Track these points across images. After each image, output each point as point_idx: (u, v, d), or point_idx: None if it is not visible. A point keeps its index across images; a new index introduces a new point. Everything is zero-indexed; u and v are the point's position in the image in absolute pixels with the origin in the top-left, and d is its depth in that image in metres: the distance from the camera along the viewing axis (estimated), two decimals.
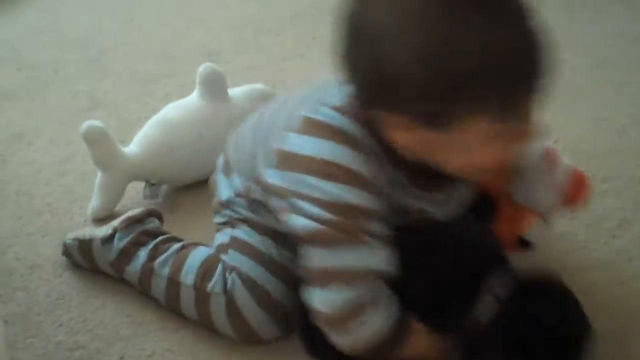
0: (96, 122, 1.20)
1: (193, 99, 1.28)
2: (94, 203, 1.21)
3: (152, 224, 1.10)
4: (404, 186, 0.86)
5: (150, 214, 1.11)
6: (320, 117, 0.84)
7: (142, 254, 1.04)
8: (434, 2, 0.72)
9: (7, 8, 1.96)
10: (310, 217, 0.82)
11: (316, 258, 0.83)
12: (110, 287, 1.09)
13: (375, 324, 0.83)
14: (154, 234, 1.07)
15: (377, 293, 0.83)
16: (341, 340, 0.84)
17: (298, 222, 0.84)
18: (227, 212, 1.02)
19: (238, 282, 0.96)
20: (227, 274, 0.97)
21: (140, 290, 1.05)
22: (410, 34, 0.72)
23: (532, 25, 0.74)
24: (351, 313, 0.82)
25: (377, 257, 0.83)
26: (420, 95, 0.73)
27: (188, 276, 0.99)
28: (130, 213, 1.10)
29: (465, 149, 0.78)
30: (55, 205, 1.26)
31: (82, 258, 1.11)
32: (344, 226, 0.81)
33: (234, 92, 1.30)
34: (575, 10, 1.82)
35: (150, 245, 1.05)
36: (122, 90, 1.57)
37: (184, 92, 1.36)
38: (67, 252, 1.12)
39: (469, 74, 0.71)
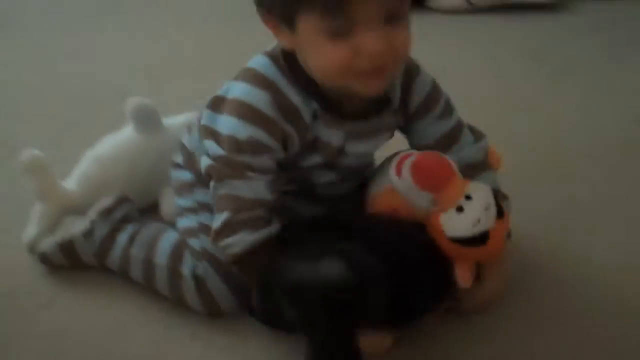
0: (37, 152, 1.20)
1: (126, 133, 1.29)
2: (30, 231, 1.21)
3: (126, 208, 1.18)
4: (321, 116, 0.99)
5: (121, 200, 1.19)
6: (251, 64, 1.00)
7: (121, 238, 1.14)
8: None
9: None
10: (208, 154, 1.00)
11: (212, 189, 1.00)
12: None
13: (246, 241, 0.97)
14: (129, 219, 1.17)
15: (256, 217, 0.97)
16: (222, 250, 1.00)
17: (203, 163, 1.01)
18: (190, 198, 1.11)
19: (210, 268, 1.06)
20: (197, 260, 1.07)
21: (121, 274, 1.14)
22: None
23: None
24: (228, 231, 0.98)
25: (259, 189, 0.97)
26: None
27: (162, 257, 1.10)
28: (103, 203, 1.18)
29: (311, 46, 0.92)
30: None
31: (64, 258, 1.17)
32: (231, 163, 0.97)
33: (170, 121, 1.31)
34: None
35: (128, 229, 1.14)
36: (37, 135, 1.56)
37: (101, 135, 1.35)
38: (45, 259, 1.18)
39: None
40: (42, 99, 1.72)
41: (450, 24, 1.98)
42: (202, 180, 1.06)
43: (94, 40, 2.02)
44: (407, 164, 0.98)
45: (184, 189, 1.13)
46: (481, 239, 0.95)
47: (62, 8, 2.22)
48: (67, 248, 1.16)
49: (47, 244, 1.17)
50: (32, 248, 1.20)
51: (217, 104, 1.02)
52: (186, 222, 1.12)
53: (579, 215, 1.27)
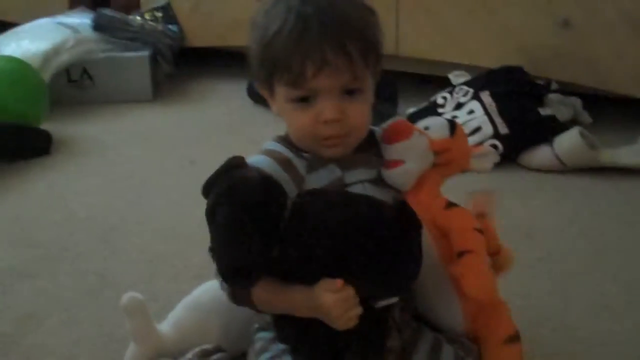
0: (137, 295, 1.24)
1: None
2: None
3: (221, 355, 1.21)
4: (310, 169, 1.10)
5: (218, 349, 1.22)
6: (266, 145, 1.14)
7: None
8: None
9: (17, 185, 2.02)
10: None
11: None
12: None
13: None
14: None
15: None
16: None
17: None
18: (272, 349, 1.13)
19: None
20: None
21: None
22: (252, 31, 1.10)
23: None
24: None
25: None
26: (259, 66, 1.09)
27: None
28: (203, 346, 1.21)
29: (284, 112, 1.09)
30: None
31: None
32: None
33: None
34: None
35: None
36: (130, 270, 1.60)
37: (191, 274, 1.38)
38: None
39: (268, 53, 1.06)
40: (135, 232, 1.78)
41: (540, 181, 1.99)
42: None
43: (185, 173, 2.08)
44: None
45: (266, 345, 1.15)
46: (451, 126, 1.19)
47: (156, 138, 2.31)
48: None
49: None
50: None
51: None
52: None
53: None
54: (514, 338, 1.13)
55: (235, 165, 1.03)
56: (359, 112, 1.08)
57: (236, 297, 1.10)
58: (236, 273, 1.03)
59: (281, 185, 1.03)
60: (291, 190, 1.06)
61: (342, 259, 1.00)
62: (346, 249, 1.00)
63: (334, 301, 0.99)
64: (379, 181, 1.15)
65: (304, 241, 1.01)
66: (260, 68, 1.09)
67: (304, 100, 1.06)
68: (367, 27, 1.08)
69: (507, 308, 1.16)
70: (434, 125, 1.20)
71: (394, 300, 1.07)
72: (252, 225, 0.99)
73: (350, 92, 1.06)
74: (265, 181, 1.02)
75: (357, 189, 1.12)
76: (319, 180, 1.10)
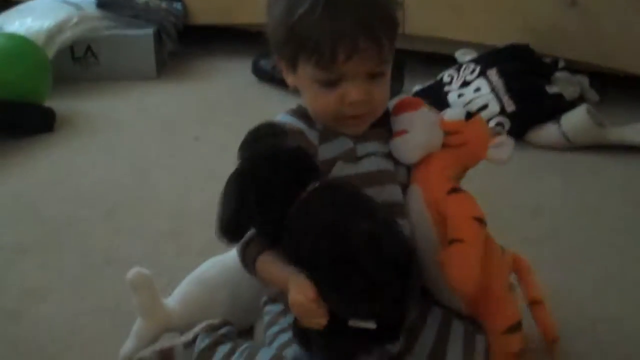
0: (143, 269, 1.23)
1: (232, 257, 1.29)
2: (127, 346, 1.23)
3: (228, 329, 1.19)
4: (322, 140, 1.13)
5: (225, 322, 1.21)
6: (277, 118, 1.15)
7: (221, 350, 1.14)
8: None
9: (21, 161, 2.01)
10: None
11: None
12: None
13: None
14: (231, 338, 1.17)
15: None
16: None
17: None
18: (282, 322, 1.14)
19: None
20: None
21: None
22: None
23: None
24: None
25: None
26: (283, 43, 1.09)
27: None
28: (210, 321, 1.19)
29: (307, 90, 1.11)
30: None
31: None
32: None
33: None
34: None
35: (228, 344, 1.15)
36: (135, 246, 1.60)
37: (196, 251, 1.37)
38: None
39: (296, 33, 1.06)
40: (139, 208, 1.77)
41: (547, 159, 1.98)
42: None
43: (189, 150, 2.08)
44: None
45: (275, 318, 1.16)
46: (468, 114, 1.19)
47: (160, 115, 2.31)
48: (167, 356, 1.18)
49: (147, 351, 1.19)
50: None
51: None
52: (280, 339, 1.13)
53: None
54: (514, 328, 1.13)
55: (271, 133, 1.07)
56: (382, 93, 1.12)
57: (247, 266, 1.11)
58: (224, 227, 1.05)
59: (310, 158, 1.06)
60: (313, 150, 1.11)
61: (316, 271, 0.98)
62: (321, 264, 0.97)
63: (299, 304, 0.99)
64: (390, 155, 1.16)
65: (294, 235, 1.00)
66: (284, 46, 1.10)
67: (330, 82, 1.08)
68: (393, 10, 1.10)
69: (511, 299, 1.16)
70: (451, 111, 1.22)
71: (370, 325, 0.99)
72: (252, 187, 1.01)
73: (373, 76, 1.09)
74: (294, 154, 1.04)
75: (368, 162, 1.13)
76: (332, 149, 1.13)
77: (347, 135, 1.13)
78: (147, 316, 1.23)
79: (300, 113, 1.15)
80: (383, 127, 1.17)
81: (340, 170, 1.12)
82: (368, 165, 1.14)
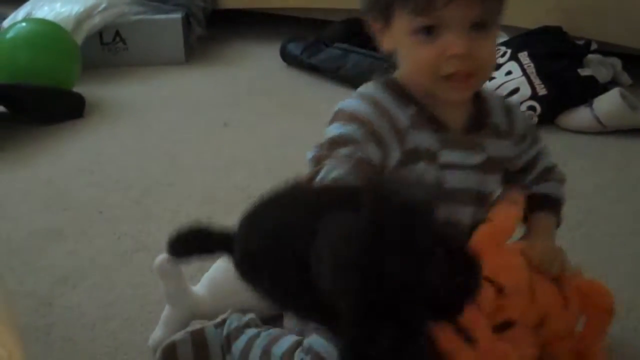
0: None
1: None
2: (157, 333, 1.23)
3: (253, 317, 1.20)
4: (417, 121, 1.02)
5: (255, 309, 1.20)
6: (360, 89, 1.06)
7: (249, 332, 1.16)
8: None
9: (51, 147, 2.02)
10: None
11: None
12: None
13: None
14: (256, 324, 1.19)
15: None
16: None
17: None
18: None
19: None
20: (303, 354, 1.06)
21: None
22: None
23: None
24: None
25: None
26: None
27: (279, 349, 1.10)
28: (238, 307, 1.20)
29: (403, 46, 1.01)
30: (99, 351, 1.26)
31: (194, 349, 1.17)
32: (322, 156, 0.99)
33: None
34: None
35: (255, 329, 1.16)
36: (164, 233, 1.59)
37: None
38: (168, 352, 1.17)
39: None
40: (169, 194, 1.77)
41: (579, 143, 1.95)
42: None
43: (219, 135, 2.07)
44: None
45: None
46: None
47: (189, 100, 2.30)
48: (199, 336, 1.18)
49: (179, 335, 1.19)
50: (157, 350, 1.21)
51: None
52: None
53: None
54: None
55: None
56: (487, 50, 1.01)
57: None
58: None
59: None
60: (391, 140, 1.01)
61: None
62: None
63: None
64: (485, 166, 1.07)
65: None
66: None
67: (429, 31, 0.97)
68: None
69: None
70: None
71: None
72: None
73: (478, 27, 0.98)
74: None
75: (451, 175, 1.05)
76: (421, 140, 1.03)
77: (437, 135, 1.04)
78: (175, 304, 1.23)
79: (395, 86, 1.05)
80: (481, 129, 1.07)
81: (421, 173, 1.02)
82: (451, 180, 1.05)
